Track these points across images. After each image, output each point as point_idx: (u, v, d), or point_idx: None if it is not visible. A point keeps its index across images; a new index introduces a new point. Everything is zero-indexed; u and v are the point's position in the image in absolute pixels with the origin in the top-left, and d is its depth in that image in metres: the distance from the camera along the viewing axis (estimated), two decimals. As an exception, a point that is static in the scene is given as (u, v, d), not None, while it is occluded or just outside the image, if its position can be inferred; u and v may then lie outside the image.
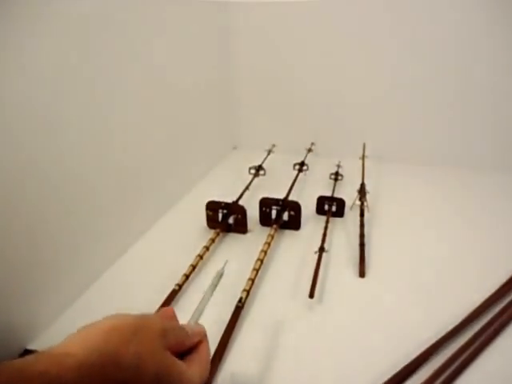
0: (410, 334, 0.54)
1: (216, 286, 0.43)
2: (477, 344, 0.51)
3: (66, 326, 0.56)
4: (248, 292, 0.60)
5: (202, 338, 0.33)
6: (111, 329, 0.26)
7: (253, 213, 0.83)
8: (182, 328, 0.31)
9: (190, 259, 0.68)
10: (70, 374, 0.21)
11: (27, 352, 0.52)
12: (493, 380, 0.47)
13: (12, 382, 0.19)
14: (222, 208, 0.79)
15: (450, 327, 0.54)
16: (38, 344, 0.53)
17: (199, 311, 0.39)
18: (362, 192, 0.88)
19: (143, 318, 0.29)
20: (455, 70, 1.06)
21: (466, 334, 0.53)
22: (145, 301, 0.59)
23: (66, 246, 0.60)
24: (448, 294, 0.62)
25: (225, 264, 0.46)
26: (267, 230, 0.77)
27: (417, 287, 0.64)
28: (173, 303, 0.60)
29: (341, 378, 0.48)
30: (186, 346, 0.31)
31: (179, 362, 0.28)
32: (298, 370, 0.49)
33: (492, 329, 0.54)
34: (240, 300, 0.58)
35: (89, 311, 0.59)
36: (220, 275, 0.43)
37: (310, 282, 0.61)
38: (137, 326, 0.27)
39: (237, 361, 0.51)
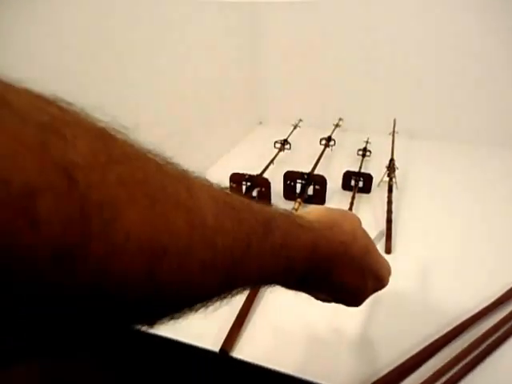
0: (436, 314, 0.52)
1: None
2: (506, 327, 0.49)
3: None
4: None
5: None
6: (327, 210, 0.32)
7: (277, 187, 0.82)
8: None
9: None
10: (315, 223, 0.28)
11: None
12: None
13: (295, 216, 0.28)
14: (246, 180, 0.78)
15: (478, 309, 0.52)
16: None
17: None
18: (390, 168, 0.85)
19: (346, 211, 0.35)
20: (490, 47, 0.99)
21: (494, 317, 0.51)
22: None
23: None
24: (478, 274, 0.60)
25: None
26: (291, 204, 0.75)
27: (444, 265, 0.62)
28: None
29: (363, 358, 0.47)
30: None
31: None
32: (317, 348, 0.49)
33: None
34: (262, 271, 0.57)
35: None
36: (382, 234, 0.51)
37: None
38: (343, 213, 0.33)
39: (256, 330, 0.51)
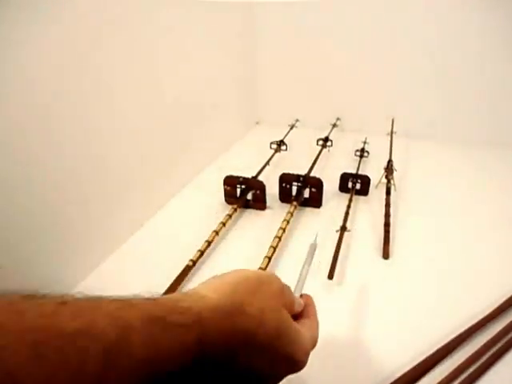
0: (434, 323, 0.51)
1: (312, 258, 0.42)
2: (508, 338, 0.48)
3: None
4: (264, 270, 0.58)
5: (312, 307, 0.35)
6: (238, 281, 0.28)
7: (273, 189, 0.80)
8: (292, 292, 0.32)
9: (206, 235, 0.66)
10: (208, 314, 0.23)
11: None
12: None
13: (167, 312, 0.22)
14: (240, 183, 0.76)
15: (477, 318, 0.50)
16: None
17: (300, 286, 0.38)
18: (388, 169, 0.83)
19: (264, 275, 0.30)
20: (491, 47, 0.97)
21: (495, 327, 0.49)
22: (159, 275, 0.58)
23: (82, 219, 0.59)
24: (478, 282, 0.58)
25: (316, 236, 0.44)
26: (287, 207, 0.74)
27: (444, 271, 0.60)
28: (186, 279, 0.58)
29: (358, 366, 0.45)
30: (293, 311, 0.31)
31: (295, 322, 0.29)
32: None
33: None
34: (255, 278, 0.56)
35: (103, 284, 0.58)
36: (314, 248, 0.41)
37: (330, 263, 0.58)
38: (260, 281, 0.28)
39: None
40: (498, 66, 0.99)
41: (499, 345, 0.46)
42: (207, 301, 0.24)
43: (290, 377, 0.27)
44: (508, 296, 0.54)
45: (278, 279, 0.30)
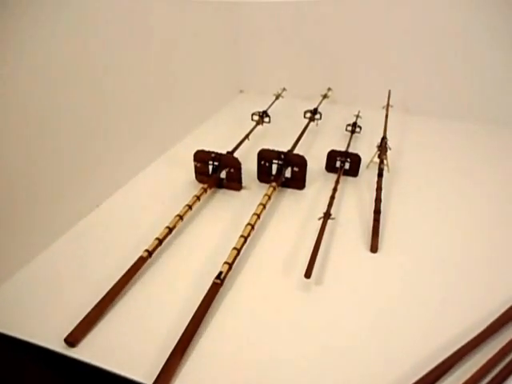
0: (427, 328, 0.43)
1: None
2: None
3: (9, 295, 0.47)
4: (230, 265, 0.49)
5: None
6: None
7: (251, 167, 0.70)
8: None
9: (170, 218, 0.56)
10: None
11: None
12: None
13: None
14: (213, 159, 0.67)
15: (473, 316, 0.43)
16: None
17: None
18: (382, 147, 0.73)
19: None
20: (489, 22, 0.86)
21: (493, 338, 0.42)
22: (110, 266, 0.50)
23: (28, 200, 0.51)
24: (475, 278, 0.50)
25: None
26: (265, 188, 0.64)
27: (438, 267, 0.52)
28: (140, 272, 0.49)
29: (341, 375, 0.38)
30: None
31: None
32: (287, 365, 0.39)
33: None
34: (219, 275, 0.47)
35: (38, 280, 0.50)
36: None
37: (309, 257, 0.50)
38: None
39: (208, 349, 0.41)
40: (499, 43, 0.88)
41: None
42: None
43: None
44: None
45: None
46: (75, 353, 0.40)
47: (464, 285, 0.50)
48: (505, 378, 0.38)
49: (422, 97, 1.01)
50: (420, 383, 0.37)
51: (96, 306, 0.43)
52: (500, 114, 0.95)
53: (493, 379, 0.37)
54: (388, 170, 0.74)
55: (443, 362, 0.39)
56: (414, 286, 0.50)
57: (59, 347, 0.40)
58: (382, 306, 0.47)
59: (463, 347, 0.40)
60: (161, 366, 0.37)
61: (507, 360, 0.39)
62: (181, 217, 0.57)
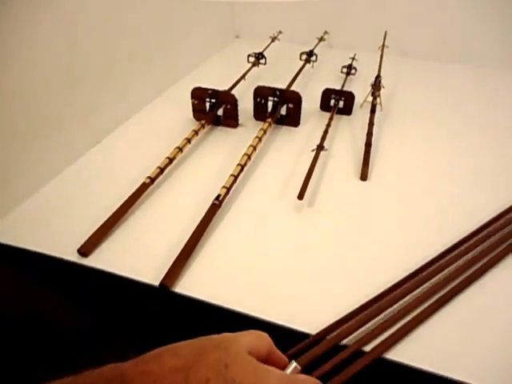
0: (410, 245, 0.47)
1: None
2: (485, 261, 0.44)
3: (23, 216, 0.51)
4: (228, 189, 0.52)
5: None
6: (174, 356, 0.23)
7: (247, 105, 0.72)
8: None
9: (169, 152, 0.59)
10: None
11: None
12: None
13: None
14: (210, 96, 0.68)
15: (456, 238, 0.47)
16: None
17: None
18: (376, 86, 0.75)
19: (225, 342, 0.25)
20: None
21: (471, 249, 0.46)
22: (115, 193, 0.53)
23: (34, 128, 0.53)
24: (458, 204, 0.54)
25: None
26: (261, 125, 0.67)
27: (426, 196, 0.56)
28: (144, 196, 0.53)
29: (327, 297, 0.42)
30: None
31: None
32: (276, 283, 0.43)
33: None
34: (217, 197, 0.50)
35: (50, 203, 0.53)
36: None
37: (302, 184, 0.53)
38: (201, 358, 0.23)
39: (209, 257, 0.45)
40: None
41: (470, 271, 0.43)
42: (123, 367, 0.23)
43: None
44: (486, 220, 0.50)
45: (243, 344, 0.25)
46: (87, 261, 0.44)
47: (443, 209, 0.53)
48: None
49: (418, 40, 1.01)
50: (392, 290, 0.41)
51: (105, 222, 0.47)
52: (494, 56, 0.96)
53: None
54: (381, 109, 0.76)
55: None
56: (399, 209, 0.53)
57: (73, 257, 0.44)
58: (368, 225, 0.50)
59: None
60: (166, 271, 0.41)
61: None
62: (180, 149, 0.60)
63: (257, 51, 0.88)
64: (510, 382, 0.35)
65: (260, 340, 0.26)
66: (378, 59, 0.87)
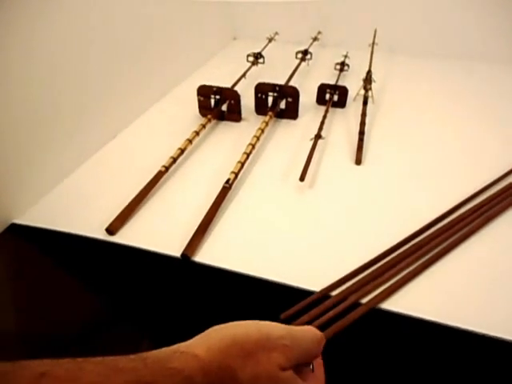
0: (402, 221, 0.53)
1: None
2: (467, 229, 0.50)
3: (52, 203, 0.56)
4: (236, 174, 0.58)
5: (319, 358, 0.32)
6: (232, 343, 0.26)
7: (248, 102, 0.78)
8: (303, 347, 0.29)
9: (179, 145, 0.65)
10: (199, 378, 0.23)
11: (13, 226, 0.52)
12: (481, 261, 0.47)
13: (156, 376, 0.22)
14: (214, 93, 0.74)
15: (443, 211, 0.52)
16: (25, 219, 0.53)
17: None
18: (367, 80, 0.81)
19: (266, 336, 0.27)
20: None
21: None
22: (131, 182, 0.58)
23: (57, 126, 0.58)
24: (446, 183, 0.60)
25: None
26: (263, 119, 0.72)
27: (414, 177, 0.61)
28: (158, 185, 0.58)
29: (329, 261, 0.47)
30: (302, 363, 0.29)
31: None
32: (283, 250, 0.49)
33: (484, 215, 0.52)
34: (227, 181, 0.56)
35: (75, 191, 0.58)
36: None
37: (303, 166, 0.59)
38: (258, 345, 0.26)
39: (221, 236, 0.50)
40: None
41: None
42: (199, 363, 0.24)
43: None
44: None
45: (281, 341, 0.27)
46: (115, 238, 0.49)
47: (431, 188, 0.59)
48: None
49: (407, 37, 1.07)
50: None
51: (128, 204, 0.52)
52: (481, 51, 1.02)
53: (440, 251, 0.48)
54: (373, 102, 0.82)
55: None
56: (390, 189, 0.59)
57: (101, 235, 0.49)
58: (362, 203, 0.56)
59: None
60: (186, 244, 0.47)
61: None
62: (190, 140, 0.65)
63: (255, 51, 0.94)
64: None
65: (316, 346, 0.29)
66: (369, 56, 0.93)
